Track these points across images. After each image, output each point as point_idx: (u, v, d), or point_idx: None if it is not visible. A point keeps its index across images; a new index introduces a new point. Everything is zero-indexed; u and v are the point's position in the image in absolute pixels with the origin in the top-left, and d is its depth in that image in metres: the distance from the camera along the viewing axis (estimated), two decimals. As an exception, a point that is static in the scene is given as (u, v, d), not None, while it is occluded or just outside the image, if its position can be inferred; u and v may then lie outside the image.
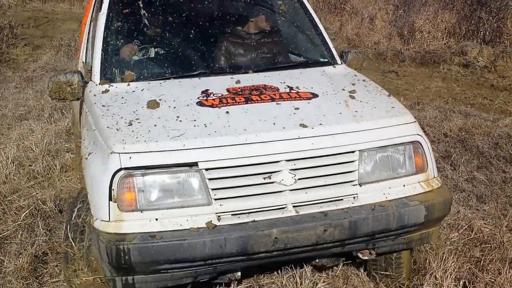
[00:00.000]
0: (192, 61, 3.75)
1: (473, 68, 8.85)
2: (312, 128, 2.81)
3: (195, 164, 2.61)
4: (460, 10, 10.22)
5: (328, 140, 2.79)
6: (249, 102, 3.07)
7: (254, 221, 2.62)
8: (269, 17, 4.13)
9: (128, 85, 3.33)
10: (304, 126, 2.82)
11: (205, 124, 2.80)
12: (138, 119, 2.87)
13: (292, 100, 3.12)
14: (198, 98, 3.12)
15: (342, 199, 2.78)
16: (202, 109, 2.98)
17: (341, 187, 2.79)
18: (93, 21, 4.09)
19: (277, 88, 3.28)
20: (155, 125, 2.80)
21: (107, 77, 3.44)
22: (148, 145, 2.63)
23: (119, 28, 3.74)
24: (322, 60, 3.88)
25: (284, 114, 2.95)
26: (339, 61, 3.89)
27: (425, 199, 2.87)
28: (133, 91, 3.25)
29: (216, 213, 2.62)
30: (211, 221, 2.58)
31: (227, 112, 2.94)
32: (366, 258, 2.94)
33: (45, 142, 5.80)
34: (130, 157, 2.58)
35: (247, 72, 3.55)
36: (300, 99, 3.14)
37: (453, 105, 7.20)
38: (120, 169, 2.57)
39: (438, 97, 7.63)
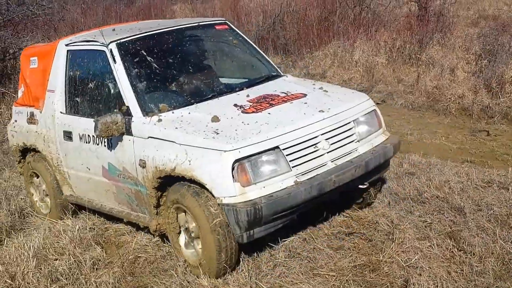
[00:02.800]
0: (200, 89, 4.90)
1: None
2: (327, 111, 4.33)
3: (277, 147, 3.96)
4: (556, 60, 8.89)
5: (338, 117, 4.34)
6: (273, 106, 4.41)
7: (318, 174, 4.06)
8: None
9: (173, 113, 4.41)
10: (322, 111, 4.33)
11: (266, 122, 4.12)
12: (217, 129, 4.05)
13: (295, 99, 4.56)
14: (237, 109, 4.36)
15: (351, 152, 4.34)
16: (251, 115, 4.26)
17: (350, 144, 4.36)
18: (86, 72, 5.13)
19: (277, 94, 4.65)
20: (235, 130, 4.02)
21: (147, 111, 4.45)
22: (246, 141, 3.88)
23: (137, 73, 4.72)
24: (273, 74, 5.32)
25: (302, 107, 4.40)
26: (282, 73, 5.38)
27: (390, 142, 4.63)
28: (182, 115, 4.35)
29: (295, 175, 3.99)
30: (296, 180, 3.96)
31: (269, 113, 4.28)
32: (365, 186, 4.56)
33: (77, 228, 5.12)
34: (239, 151, 3.82)
35: (242, 89, 4.82)
36: (300, 98, 4.59)
37: None
38: (236, 161, 3.80)
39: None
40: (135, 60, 4.77)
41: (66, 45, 5.29)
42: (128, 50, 4.79)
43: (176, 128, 4.15)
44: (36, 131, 5.57)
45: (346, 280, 4.00)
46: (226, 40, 5.57)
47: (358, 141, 4.41)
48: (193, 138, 4.00)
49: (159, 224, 4.50)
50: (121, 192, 4.78)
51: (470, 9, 14.55)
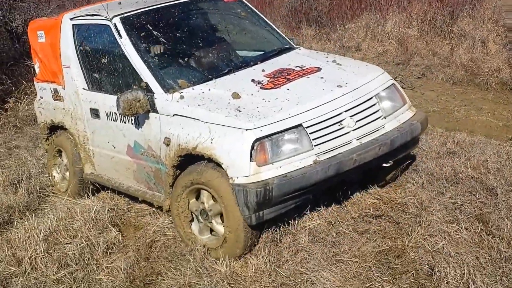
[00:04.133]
0: (215, 63, 4.79)
1: None
2: (346, 86, 4.19)
3: (300, 125, 3.85)
4: None
5: (357, 92, 4.18)
6: (291, 81, 4.28)
7: (339, 153, 3.92)
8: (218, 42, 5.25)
9: (193, 89, 4.32)
10: (340, 86, 4.18)
11: (286, 99, 4.01)
12: (239, 106, 3.96)
13: (311, 73, 4.43)
14: (256, 85, 4.25)
15: (378, 129, 4.18)
16: (270, 91, 4.15)
17: (377, 121, 4.19)
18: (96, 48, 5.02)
19: (292, 69, 4.51)
20: (257, 107, 3.92)
21: (167, 87, 4.35)
22: (269, 119, 3.79)
23: (146, 48, 4.59)
24: (286, 46, 5.15)
25: (320, 82, 4.26)
26: (294, 45, 5.21)
27: (417, 118, 4.42)
28: (203, 92, 4.26)
29: (316, 154, 3.86)
30: (316, 159, 3.84)
31: (288, 89, 4.16)
32: (388, 164, 4.35)
33: (93, 209, 4.94)
34: (261, 130, 3.74)
35: (256, 64, 4.70)
36: (315, 72, 4.45)
37: None
38: (256, 140, 3.72)
39: None
40: (141, 35, 4.67)
41: (71, 19, 5.22)
42: (133, 24, 4.71)
43: (199, 105, 4.09)
44: (64, 108, 5.53)
45: (369, 266, 3.89)
46: (235, 13, 5.43)
47: (385, 117, 4.25)
48: (216, 116, 3.93)
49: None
50: (141, 170, 4.74)
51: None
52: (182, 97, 4.23)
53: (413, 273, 3.78)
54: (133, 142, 4.71)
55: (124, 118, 4.68)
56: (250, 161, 3.70)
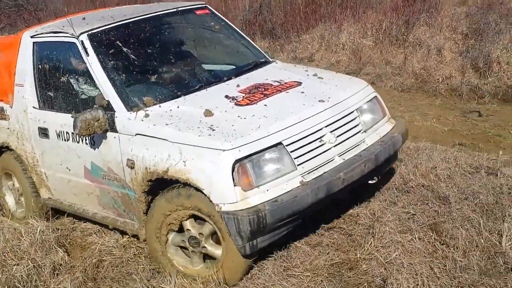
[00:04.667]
0: (185, 80, 4.53)
1: None
2: (328, 101, 4.00)
3: (280, 143, 3.59)
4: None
5: (339, 106, 4.00)
6: (268, 96, 4.05)
7: (325, 172, 3.72)
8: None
9: (160, 106, 4.04)
10: (322, 101, 3.99)
11: (264, 116, 3.76)
12: (212, 125, 3.67)
13: (291, 88, 4.21)
14: (230, 102, 4.00)
15: (359, 144, 4.03)
16: (246, 107, 3.89)
17: (357, 136, 4.03)
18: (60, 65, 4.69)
19: (269, 83, 4.29)
20: (232, 125, 3.65)
21: (131, 105, 4.06)
22: (246, 138, 3.51)
23: (114, 65, 4.34)
24: (262, 60, 4.95)
25: (300, 97, 4.05)
26: (270, 59, 5.01)
27: (397, 131, 4.32)
28: (171, 110, 3.98)
29: (301, 174, 3.63)
30: (302, 180, 3.60)
31: (265, 105, 3.92)
32: (374, 181, 4.25)
33: (38, 230, 4.72)
34: (239, 150, 3.45)
35: (230, 79, 4.46)
36: (295, 87, 4.24)
37: None
38: (236, 161, 3.41)
39: (542, 145, 6.02)
40: (110, 52, 4.42)
41: (32, 37, 4.92)
42: (101, 41, 4.43)
43: (167, 124, 3.79)
44: (8, 128, 5.21)
45: (321, 280, 3.73)
46: (208, 26, 5.22)
47: (365, 131, 4.11)
48: (187, 135, 3.63)
49: None
50: (106, 196, 4.40)
51: (459, -13, 14.21)
52: (146, 115, 3.94)
53: (365, 286, 3.64)
54: (90, 164, 4.38)
55: (77, 137, 4.38)
56: (234, 185, 3.41)
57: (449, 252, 3.79)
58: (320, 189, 3.61)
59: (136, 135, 3.92)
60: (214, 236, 3.84)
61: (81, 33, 4.39)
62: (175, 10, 5.06)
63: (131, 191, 4.07)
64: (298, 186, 3.56)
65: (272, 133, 3.59)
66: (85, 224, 5.05)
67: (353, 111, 4.06)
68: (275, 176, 3.54)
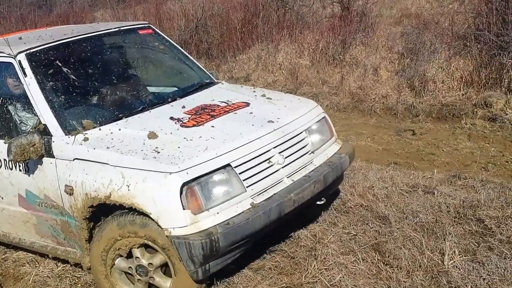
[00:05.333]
0: (127, 101, 4.41)
1: (501, 122, 7.33)
2: (277, 122, 3.96)
3: (228, 165, 3.51)
4: (477, 56, 8.86)
5: (288, 127, 3.98)
6: (215, 117, 3.98)
7: (275, 193, 3.67)
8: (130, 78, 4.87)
9: (100, 129, 3.87)
10: (271, 122, 3.95)
11: (211, 137, 3.67)
12: (157, 147, 3.55)
13: (238, 109, 4.16)
14: (175, 123, 3.89)
15: (307, 165, 4.02)
16: (192, 129, 3.79)
17: (305, 156, 4.02)
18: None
19: (217, 104, 4.23)
20: (178, 147, 3.54)
21: (69, 129, 3.89)
22: (194, 160, 3.41)
23: (53, 87, 4.12)
24: (207, 81, 4.89)
25: (249, 118, 4.00)
26: (215, 80, 4.96)
27: (344, 151, 4.35)
28: (112, 132, 3.82)
29: (250, 196, 3.56)
30: (252, 202, 3.54)
31: (212, 126, 3.84)
32: (322, 202, 4.20)
33: None
34: (187, 173, 3.34)
35: (175, 100, 4.37)
36: (243, 107, 4.19)
37: (498, 174, 5.69)
38: (184, 184, 3.31)
39: (473, 162, 6.09)
40: (49, 72, 4.19)
41: None
42: (40, 61, 4.20)
43: (108, 147, 3.63)
44: None
45: (265, 306, 3.63)
46: (151, 46, 5.12)
47: (313, 152, 4.08)
48: (130, 159, 3.48)
49: None
50: (44, 224, 4.16)
51: (393, 8, 14.57)
52: (86, 139, 3.76)
53: (310, 311, 3.56)
54: (25, 192, 4.13)
55: (10, 164, 4.12)
56: (183, 209, 3.29)
57: (392, 272, 3.78)
58: (272, 210, 3.55)
59: (74, 159, 3.75)
60: (163, 268, 3.72)
61: (19, 53, 4.17)
62: (117, 29, 4.93)
63: (70, 218, 3.88)
64: (249, 208, 3.50)
65: (220, 154, 3.51)
66: (17, 253, 4.78)
67: (301, 132, 4.05)
68: (225, 198, 3.46)
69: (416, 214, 4.47)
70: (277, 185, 3.75)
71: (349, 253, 4.05)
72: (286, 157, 3.84)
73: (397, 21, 12.75)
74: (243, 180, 3.55)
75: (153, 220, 3.39)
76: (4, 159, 4.07)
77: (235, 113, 4.09)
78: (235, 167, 3.53)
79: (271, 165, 3.74)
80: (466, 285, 3.53)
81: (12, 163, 4.11)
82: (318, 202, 4.16)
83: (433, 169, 5.78)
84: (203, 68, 5.14)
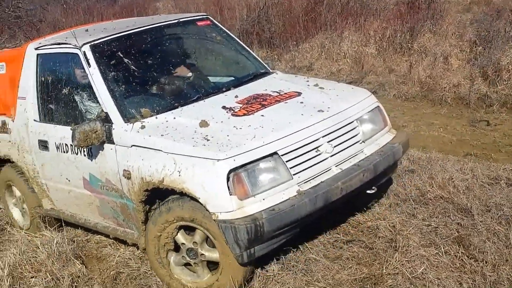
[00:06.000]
0: (184, 90, 4.52)
1: None
2: (327, 111, 3.95)
3: (275, 153, 3.55)
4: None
5: (339, 116, 3.95)
6: (266, 107, 4.01)
7: (322, 181, 3.67)
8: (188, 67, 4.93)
9: (156, 118, 4.02)
10: (321, 111, 3.94)
11: (260, 126, 3.71)
12: (207, 135, 3.65)
13: (290, 98, 4.17)
14: (226, 112, 3.96)
15: (357, 154, 3.97)
16: (242, 118, 3.86)
17: (355, 146, 3.98)
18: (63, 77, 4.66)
19: (268, 94, 4.25)
20: (227, 135, 3.62)
21: (128, 117, 4.05)
22: (241, 148, 3.48)
23: (115, 77, 4.32)
24: (262, 71, 4.91)
25: (299, 107, 4.00)
26: (270, 70, 4.97)
27: (398, 141, 4.26)
28: (167, 121, 3.95)
29: (297, 183, 3.59)
30: (299, 189, 3.56)
31: (262, 115, 3.88)
32: (373, 191, 4.16)
33: (55, 242, 4.67)
34: (234, 160, 3.41)
35: (229, 89, 4.43)
36: (294, 97, 4.19)
37: None
38: (231, 171, 3.39)
39: (554, 155, 5.88)
40: (111, 63, 4.38)
41: (36, 48, 4.84)
42: (103, 52, 4.39)
43: (162, 135, 3.77)
44: (9, 141, 5.17)
45: (346, 296, 3.60)
46: (209, 37, 5.18)
47: (364, 141, 4.04)
48: (181, 146, 3.61)
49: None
50: (106, 206, 4.38)
51: (462, -6, 14.17)
52: (143, 127, 3.92)
53: (393, 302, 3.51)
54: (88, 175, 4.35)
55: (76, 149, 4.34)
56: (230, 194, 3.38)
57: (477, 266, 3.67)
58: (318, 198, 3.56)
59: (132, 146, 3.92)
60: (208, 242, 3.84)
61: (84, 44, 4.37)
62: (176, 21, 5.04)
63: (129, 200, 4.06)
64: (295, 195, 3.52)
65: (267, 143, 3.56)
66: (99, 236, 4.96)
67: (352, 121, 4.02)
68: (271, 185, 3.51)
69: (500, 207, 4.33)
70: (324, 173, 3.74)
71: (430, 246, 3.97)
72: (335, 146, 3.83)
73: (466, 8, 12.37)
74: (290, 167, 3.58)
75: (202, 204, 3.49)
76: (71, 144, 4.28)
77: (285, 102, 4.10)
78: (282, 155, 3.57)
79: (319, 154, 3.74)
80: (559, 282, 3.40)
81: (77, 148, 4.32)
82: (368, 191, 4.13)
83: (512, 161, 5.59)
84: (259, 58, 5.16)
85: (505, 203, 4.40)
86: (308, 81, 4.64)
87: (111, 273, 4.38)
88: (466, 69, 8.67)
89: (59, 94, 4.65)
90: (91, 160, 4.25)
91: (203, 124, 3.78)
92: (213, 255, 3.79)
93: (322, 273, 3.87)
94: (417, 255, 3.86)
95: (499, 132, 6.82)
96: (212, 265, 3.88)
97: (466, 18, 10.60)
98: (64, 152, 4.49)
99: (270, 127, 3.70)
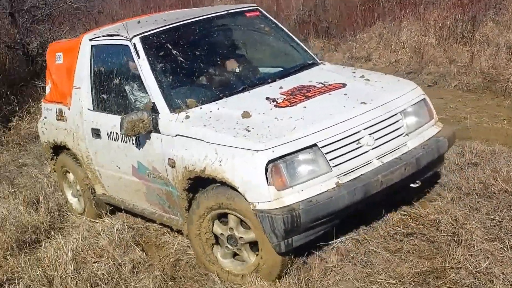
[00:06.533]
0: (229, 81, 4.57)
1: None
2: (370, 103, 3.91)
3: (314, 145, 3.56)
4: None
5: (382, 109, 3.91)
6: (309, 98, 4.01)
7: (362, 174, 3.65)
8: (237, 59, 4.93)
9: (201, 108, 4.11)
10: (364, 103, 3.90)
11: (301, 117, 3.72)
12: (248, 126, 3.70)
13: (334, 90, 4.15)
14: (269, 104, 3.99)
15: (400, 147, 3.92)
16: (284, 109, 3.88)
17: (398, 139, 3.94)
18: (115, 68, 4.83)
19: (313, 85, 4.25)
20: (268, 126, 3.66)
21: (174, 107, 4.16)
22: (280, 140, 3.51)
23: (163, 68, 4.42)
24: (309, 62, 4.92)
25: (342, 99, 3.99)
26: (318, 61, 4.96)
27: (443, 134, 4.19)
28: (211, 111, 4.03)
29: (336, 176, 3.58)
30: (338, 181, 3.56)
31: (304, 107, 3.88)
32: (417, 185, 4.09)
33: (115, 228, 4.89)
34: (273, 151, 3.46)
35: (275, 80, 4.45)
36: (339, 88, 4.18)
37: None
38: (269, 162, 3.43)
39: None
40: (160, 54, 4.51)
41: (90, 40, 5.05)
42: (152, 44, 4.54)
43: (205, 125, 3.87)
44: (65, 128, 5.44)
45: (408, 289, 3.59)
46: (257, 28, 5.22)
47: (407, 134, 4.01)
48: (222, 136, 3.71)
49: None
50: (152, 193, 4.55)
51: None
52: (187, 117, 4.03)
53: (456, 297, 3.47)
54: (137, 163, 4.53)
55: (125, 138, 4.52)
56: (268, 185, 3.44)
57: (544, 262, 3.57)
58: (357, 191, 3.56)
59: (176, 136, 4.02)
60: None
61: (134, 36, 4.51)
62: (225, 12, 5.09)
63: (173, 188, 4.19)
64: (334, 187, 3.54)
65: (307, 134, 3.57)
66: (157, 224, 5.08)
67: (396, 114, 3.97)
68: (309, 176, 3.54)
69: None
70: (365, 166, 3.73)
71: (495, 240, 3.90)
72: (377, 139, 3.80)
73: (530, -3, 11.92)
74: (330, 160, 3.59)
75: (241, 194, 3.56)
76: (123, 134, 4.38)
77: (329, 94, 4.10)
78: (321, 147, 3.58)
79: (360, 146, 3.73)
80: None
81: (127, 138, 4.47)
82: (412, 185, 4.07)
83: None
84: (306, 49, 5.14)
85: None
86: (354, 72, 4.63)
87: (171, 260, 4.49)
88: (532, 60, 8.38)
89: (111, 84, 4.84)
90: (139, 149, 4.41)
91: (245, 115, 3.84)
92: (249, 259, 3.91)
93: (382, 266, 3.86)
94: (480, 249, 3.80)
95: None
96: (256, 248, 3.91)
97: (531, 7, 10.23)
98: (114, 140, 4.68)
99: (311, 119, 3.71)
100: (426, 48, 9.89)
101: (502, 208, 4.31)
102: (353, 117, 3.78)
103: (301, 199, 3.46)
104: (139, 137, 4.33)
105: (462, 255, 3.77)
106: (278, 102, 4.01)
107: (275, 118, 3.78)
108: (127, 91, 4.64)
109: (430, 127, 4.20)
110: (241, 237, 3.87)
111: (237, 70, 4.74)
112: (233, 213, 3.81)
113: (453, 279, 3.61)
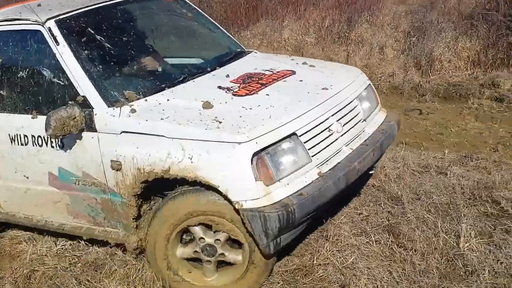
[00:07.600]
0: (166, 71, 4.23)
1: (508, 102, 7.26)
2: (331, 89, 3.76)
3: (293, 134, 3.32)
4: (484, 37, 8.76)
5: (343, 93, 3.78)
6: (266, 85, 3.77)
7: (339, 162, 3.50)
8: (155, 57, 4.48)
9: (146, 100, 3.64)
10: (325, 89, 3.76)
11: (270, 105, 3.47)
12: (216, 117, 3.32)
13: (286, 77, 3.96)
14: (226, 92, 3.68)
15: (360, 133, 3.83)
16: (246, 98, 3.59)
17: (359, 124, 3.84)
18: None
19: (261, 73, 4.01)
20: (240, 116, 3.33)
21: (111, 100, 3.62)
22: (261, 129, 3.20)
23: (89, 56, 3.86)
24: (238, 50, 4.66)
25: (301, 85, 3.82)
26: (245, 49, 4.75)
27: (392, 119, 4.20)
28: (160, 103, 3.59)
29: (316, 166, 3.38)
30: (319, 171, 3.36)
31: (267, 94, 3.64)
32: (373, 171, 4.17)
33: None
34: (256, 142, 3.13)
35: (215, 69, 4.14)
36: (290, 75, 3.99)
37: (508, 155, 5.51)
38: (254, 154, 3.11)
39: (483, 143, 6.02)
40: (82, 40, 3.90)
41: None
42: (71, 28, 3.90)
43: (162, 119, 3.39)
44: None
45: (276, 287, 3.57)
46: (179, 13, 4.81)
47: (365, 120, 3.91)
48: (190, 129, 3.25)
49: (141, 239, 3.67)
50: (80, 203, 3.89)
51: (398, -14, 14.41)
52: (133, 111, 3.51)
53: (323, 293, 3.48)
54: (57, 170, 3.86)
55: (40, 140, 3.86)
56: (255, 180, 3.09)
57: (407, 255, 3.69)
58: (341, 180, 3.38)
59: (121, 133, 3.49)
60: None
61: (48, 19, 3.86)
62: None
63: (115, 195, 3.64)
64: (317, 178, 3.30)
65: (286, 122, 3.29)
66: (14, 231, 4.65)
67: (354, 99, 3.84)
68: (293, 168, 3.26)
69: (429, 195, 4.38)
70: (338, 154, 3.55)
71: (361, 234, 3.97)
72: (343, 125, 3.65)
73: (402, 0, 12.60)
74: (308, 149, 3.36)
75: (221, 193, 3.19)
76: (32, 135, 3.84)
77: (284, 81, 3.87)
78: (300, 135, 3.33)
79: (331, 134, 3.55)
80: (484, 269, 3.45)
81: (41, 140, 3.87)
82: (370, 172, 4.03)
83: (442, 149, 5.69)
84: (231, 36, 4.93)
85: (434, 191, 4.46)
86: (293, 59, 4.44)
87: (25, 271, 4.06)
88: (400, 59, 8.82)
89: (14, 78, 4.10)
90: (62, 152, 3.78)
91: (207, 105, 3.46)
92: (236, 257, 3.48)
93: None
94: (348, 244, 3.85)
95: (431, 121, 6.95)
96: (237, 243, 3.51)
97: (402, 9, 10.79)
98: (21, 144, 3.97)
99: (282, 107, 3.45)
100: (306, 47, 10.09)
101: (369, 202, 4.42)
102: (322, 103, 3.56)
103: (290, 193, 3.17)
104: (63, 138, 3.68)
105: (329, 251, 3.79)
106: (235, 90, 3.67)
107: (243, 107, 3.43)
108: (39, 85, 3.94)
109: (378, 112, 4.15)
110: (217, 240, 3.45)
111: (159, 69, 4.28)
112: (212, 219, 3.37)
113: (321, 276, 3.61)
